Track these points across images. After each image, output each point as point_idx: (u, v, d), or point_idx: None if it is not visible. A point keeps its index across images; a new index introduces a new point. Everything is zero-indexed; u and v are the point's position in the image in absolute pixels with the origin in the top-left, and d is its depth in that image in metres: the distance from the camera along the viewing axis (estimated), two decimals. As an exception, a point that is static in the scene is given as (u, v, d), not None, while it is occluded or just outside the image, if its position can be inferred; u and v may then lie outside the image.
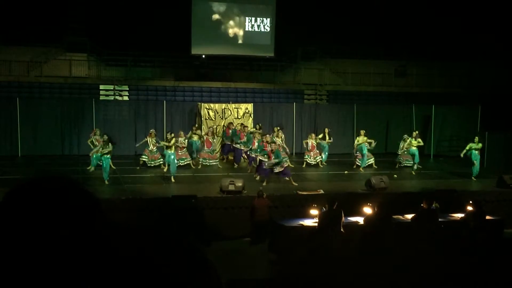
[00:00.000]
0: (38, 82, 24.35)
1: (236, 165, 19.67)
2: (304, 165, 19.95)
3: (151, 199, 13.79)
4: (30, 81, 24.27)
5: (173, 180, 16.57)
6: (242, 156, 19.94)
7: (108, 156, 16.37)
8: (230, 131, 20.45)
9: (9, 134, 21.91)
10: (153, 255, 1.05)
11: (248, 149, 19.37)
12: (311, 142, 20.05)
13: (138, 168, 18.80)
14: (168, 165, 17.41)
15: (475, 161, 17.89)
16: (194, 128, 20.45)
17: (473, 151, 17.98)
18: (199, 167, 19.12)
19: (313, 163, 20.06)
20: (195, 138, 19.61)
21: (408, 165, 19.83)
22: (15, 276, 0.97)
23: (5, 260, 0.98)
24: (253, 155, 18.65)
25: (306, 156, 20.12)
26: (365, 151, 19.51)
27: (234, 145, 19.96)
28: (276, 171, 16.29)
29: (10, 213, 1.04)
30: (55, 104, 22.89)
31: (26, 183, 1.09)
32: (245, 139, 19.63)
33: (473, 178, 17.89)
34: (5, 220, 1.04)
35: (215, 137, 20.20)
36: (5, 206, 1.06)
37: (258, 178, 16.76)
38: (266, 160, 16.48)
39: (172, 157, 17.01)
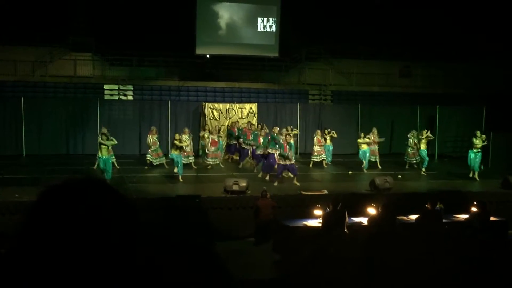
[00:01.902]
0: (43, 82, 24.41)
1: (240, 165, 19.65)
2: (311, 165, 20.01)
3: (155, 198, 13.80)
4: (35, 81, 24.33)
5: (181, 179, 16.61)
6: (248, 157, 19.88)
7: (110, 157, 16.46)
8: (236, 129, 20.48)
9: (14, 133, 21.98)
10: (173, 263, 1.04)
11: (254, 147, 19.32)
12: (316, 138, 20.08)
13: (146, 167, 18.79)
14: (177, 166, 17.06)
15: (472, 163, 17.95)
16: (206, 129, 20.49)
17: (471, 152, 17.96)
18: (209, 167, 19.10)
19: (318, 160, 20.09)
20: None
21: (412, 162, 19.87)
22: (42, 274, 0.96)
23: (30, 261, 0.97)
24: (260, 152, 18.48)
25: (315, 156, 20.15)
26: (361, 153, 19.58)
27: (242, 145, 19.89)
28: (287, 163, 16.28)
29: (41, 214, 1.03)
30: (60, 103, 22.95)
31: (61, 185, 1.08)
32: (251, 137, 19.63)
33: (472, 174, 17.93)
34: (36, 220, 1.03)
35: (221, 136, 20.23)
36: (38, 207, 1.05)
37: (267, 178, 16.78)
38: (278, 151, 16.47)
39: (179, 159, 16.91)
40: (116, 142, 16.64)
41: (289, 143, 16.53)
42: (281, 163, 16.34)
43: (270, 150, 16.86)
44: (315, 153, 20.22)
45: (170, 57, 25.83)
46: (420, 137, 19.36)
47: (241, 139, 20.01)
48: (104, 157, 16.03)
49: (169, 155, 17.56)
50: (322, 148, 20.24)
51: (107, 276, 0.97)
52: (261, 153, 18.29)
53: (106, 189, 1.08)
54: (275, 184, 15.96)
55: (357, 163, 19.82)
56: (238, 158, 20.40)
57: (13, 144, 21.97)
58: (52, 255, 0.98)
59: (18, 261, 0.99)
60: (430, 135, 19.66)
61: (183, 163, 18.15)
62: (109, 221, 1.02)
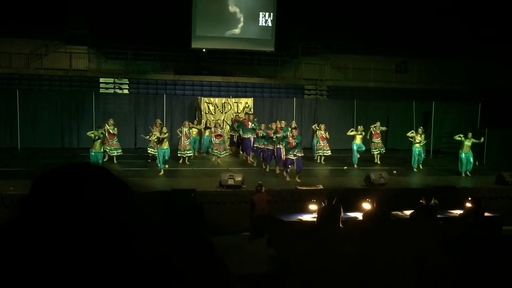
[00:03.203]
0: (38, 75, 24.33)
1: (245, 158, 19.57)
2: (321, 160, 19.92)
3: (150, 192, 13.78)
4: (30, 74, 24.25)
5: (161, 172, 16.65)
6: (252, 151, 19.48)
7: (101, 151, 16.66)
8: (236, 123, 20.41)
9: (9, 127, 21.89)
10: (174, 255, 1.02)
11: (254, 136, 19.13)
12: (320, 133, 19.93)
13: (149, 161, 18.66)
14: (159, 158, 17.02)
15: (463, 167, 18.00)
16: (195, 123, 20.55)
17: (461, 153, 17.98)
18: (213, 159, 19.10)
19: (322, 154, 19.97)
20: (207, 132, 20.05)
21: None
22: (39, 263, 0.94)
23: (29, 249, 0.95)
24: (261, 146, 18.35)
25: (320, 150, 20.00)
26: (355, 147, 19.54)
27: (243, 135, 19.71)
28: (298, 155, 16.22)
29: (38, 199, 1.01)
30: (55, 96, 22.87)
31: (57, 169, 1.06)
32: (250, 126, 19.46)
33: (464, 174, 17.95)
34: (32, 205, 1.00)
35: (223, 128, 20.27)
36: (34, 192, 1.03)
37: (267, 170, 16.86)
38: (286, 147, 16.42)
39: (163, 151, 16.85)
40: (101, 135, 16.71)
41: (296, 137, 16.44)
42: (290, 157, 16.25)
43: (279, 146, 16.90)
44: (319, 148, 19.97)
45: (166, 51, 25.77)
46: (414, 135, 19.20)
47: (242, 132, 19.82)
48: (95, 151, 16.20)
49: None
50: (325, 143, 20.05)
51: (103, 264, 0.96)
52: (259, 146, 18.29)
53: (105, 174, 1.05)
54: (288, 179, 15.98)
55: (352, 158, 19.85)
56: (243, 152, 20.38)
57: (8, 137, 21.88)
58: (47, 241, 0.96)
59: (11, 248, 0.97)
60: (421, 137, 19.37)
61: (183, 155, 18.36)
62: (107, 207, 1.00)
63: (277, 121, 19.02)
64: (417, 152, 18.89)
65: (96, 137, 16.54)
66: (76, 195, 0.99)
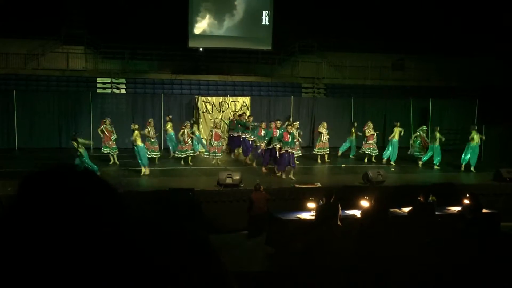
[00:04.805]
0: (35, 75, 24.30)
1: (246, 159, 19.33)
2: (324, 159, 19.78)
3: (147, 192, 13.78)
4: (27, 74, 24.22)
5: (147, 172, 16.45)
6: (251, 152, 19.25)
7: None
8: (235, 121, 20.28)
9: (6, 127, 21.87)
10: (169, 253, 1.02)
11: (254, 138, 19.03)
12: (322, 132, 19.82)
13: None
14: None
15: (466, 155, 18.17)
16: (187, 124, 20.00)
17: (471, 143, 18.16)
18: (213, 162, 18.51)
19: (323, 153, 19.88)
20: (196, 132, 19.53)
21: (418, 155, 19.70)
22: (27, 269, 0.93)
23: (17, 254, 0.94)
24: (259, 144, 18.18)
25: (319, 149, 19.84)
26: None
27: (247, 137, 19.53)
28: (293, 151, 16.15)
29: (24, 204, 1.01)
30: (52, 97, 22.83)
31: (42, 172, 1.06)
32: (250, 128, 19.36)
33: (471, 169, 18.05)
34: (19, 210, 1.00)
35: (222, 130, 19.99)
36: (20, 196, 1.02)
37: (279, 173, 16.47)
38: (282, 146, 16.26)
39: (142, 150, 16.65)
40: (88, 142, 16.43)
41: (290, 133, 16.38)
42: (284, 152, 16.12)
43: (276, 145, 16.63)
44: (320, 147, 19.83)
45: (163, 50, 25.76)
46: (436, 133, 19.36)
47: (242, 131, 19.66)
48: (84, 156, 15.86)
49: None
50: (326, 141, 19.91)
51: (94, 264, 0.95)
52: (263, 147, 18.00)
53: (89, 176, 1.05)
54: (291, 175, 15.94)
55: (350, 156, 19.84)
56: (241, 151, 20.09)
57: (5, 138, 21.87)
58: (32, 242, 0.96)
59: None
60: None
61: (181, 156, 18.16)
62: (94, 209, 0.99)
63: (276, 121, 18.92)
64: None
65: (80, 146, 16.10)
66: (61, 197, 0.99)
